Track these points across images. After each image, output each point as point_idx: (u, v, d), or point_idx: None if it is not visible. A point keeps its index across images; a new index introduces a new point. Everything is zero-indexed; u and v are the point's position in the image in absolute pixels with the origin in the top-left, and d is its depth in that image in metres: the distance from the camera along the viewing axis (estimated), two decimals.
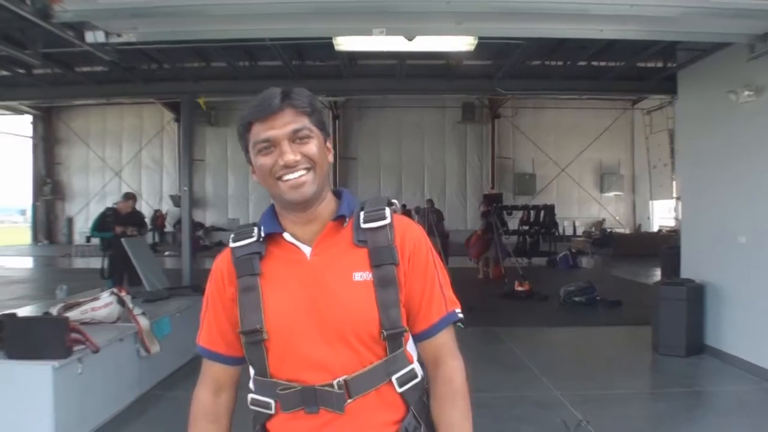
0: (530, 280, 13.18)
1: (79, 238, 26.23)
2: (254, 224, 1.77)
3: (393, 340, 1.65)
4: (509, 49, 9.36)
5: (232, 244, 1.74)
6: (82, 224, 26.25)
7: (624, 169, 27.48)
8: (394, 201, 1.78)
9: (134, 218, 10.63)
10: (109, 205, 12.30)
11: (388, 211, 1.72)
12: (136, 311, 6.01)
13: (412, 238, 1.72)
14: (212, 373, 1.82)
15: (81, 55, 8.41)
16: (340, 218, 1.70)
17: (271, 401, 1.66)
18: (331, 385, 1.60)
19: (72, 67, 10.27)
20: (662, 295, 8.00)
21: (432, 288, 1.72)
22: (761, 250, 6.92)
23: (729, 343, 7.52)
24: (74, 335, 4.88)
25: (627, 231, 26.77)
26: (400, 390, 1.66)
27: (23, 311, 6.53)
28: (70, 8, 5.45)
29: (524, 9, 5.60)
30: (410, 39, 7.05)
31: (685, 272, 8.55)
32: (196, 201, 24.71)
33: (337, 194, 1.80)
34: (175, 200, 24.82)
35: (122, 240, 8.87)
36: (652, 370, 7.79)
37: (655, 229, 25.73)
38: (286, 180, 1.62)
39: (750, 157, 7.11)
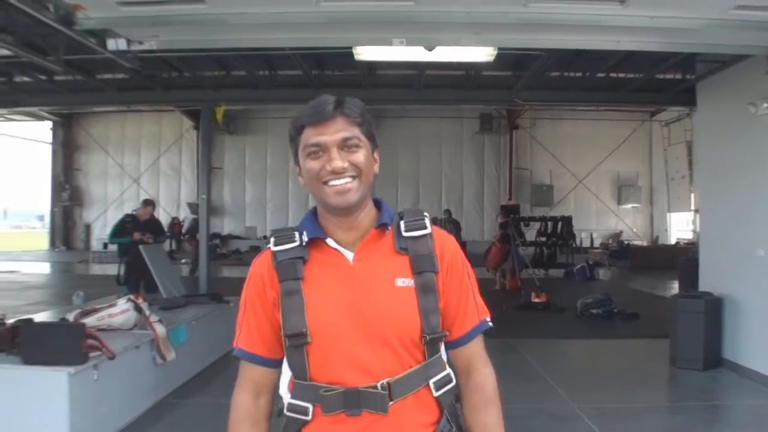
0: (547, 292, 13.12)
1: (96, 245, 26.37)
2: (293, 228, 1.79)
3: (432, 345, 1.71)
4: (528, 60, 9.36)
5: (273, 248, 1.76)
6: (100, 231, 26.42)
7: (642, 181, 27.33)
8: (426, 214, 1.83)
9: (152, 225, 10.67)
10: (127, 211, 12.37)
11: (428, 221, 1.79)
12: (153, 318, 6.02)
13: (450, 249, 1.79)
14: (252, 376, 1.81)
15: (102, 62, 8.49)
16: (382, 226, 1.76)
17: (309, 406, 1.68)
18: (375, 387, 1.63)
19: (93, 74, 10.36)
20: (680, 308, 7.93)
21: (467, 297, 1.80)
22: None
23: (747, 356, 7.44)
24: (90, 341, 4.90)
25: (644, 243, 26.58)
26: (436, 394, 1.72)
27: (40, 317, 6.58)
28: (92, 16, 5.53)
29: (543, 20, 5.60)
30: (430, 49, 7.07)
31: (703, 285, 8.47)
32: (214, 209, 24.85)
33: (376, 203, 1.84)
34: (193, 208, 24.89)
35: (140, 247, 8.91)
36: (669, 384, 7.72)
37: (673, 241, 25.56)
38: (332, 185, 1.66)
39: None
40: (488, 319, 1.85)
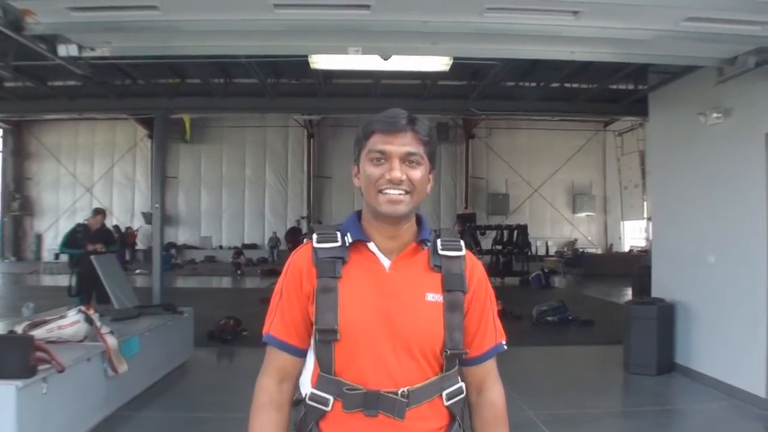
0: (503, 300, 13.17)
1: (47, 255, 25.90)
2: (336, 227, 1.88)
3: (451, 360, 1.81)
4: (484, 69, 9.45)
5: (316, 245, 1.82)
6: (51, 241, 25.91)
7: (596, 189, 27.79)
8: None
9: (104, 235, 10.49)
10: (79, 221, 12.14)
11: (462, 243, 1.89)
12: (104, 330, 5.89)
13: (478, 273, 1.90)
14: (279, 362, 1.87)
15: (53, 69, 8.31)
16: (422, 242, 1.85)
17: (331, 398, 1.76)
18: (396, 393, 1.72)
19: (44, 80, 10.17)
20: (633, 315, 8.04)
21: (487, 320, 1.91)
22: (730, 269, 7.00)
23: (699, 361, 7.57)
24: (39, 354, 4.77)
25: (599, 251, 27.02)
26: (447, 403, 1.81)
27: None
28: (42, 21, 5.39)
29: (498, 30, 5.64)
30: (386, 58, 7.07)
31: (656, 291, 8.62)
32: (169, 218, 24.57)
33: (417, 218, 1.92)
34: (147, 217, 24.60)
35: (91, 257, 8.74)
36: (623, 389, 7.82)
37: (627, 249, 26.00)
38: (386, 194, 1.74)
39: (719, 178, 7.21)
40: (504, 342, 1.96)
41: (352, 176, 1.89)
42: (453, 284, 1.81)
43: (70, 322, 5.69)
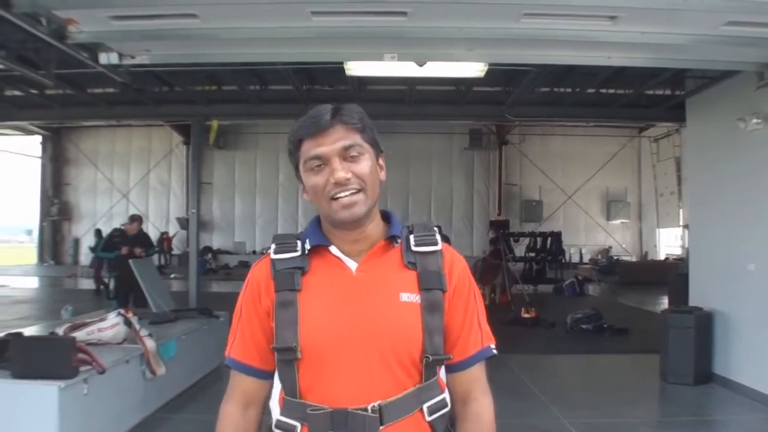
0: (537, 307, 13.13)
1: (85, 259, 26.15)
2: (296, 236, 1.74)
3: (431, 367, 1.63)
4: (519, 75, 9.44)
5: (273, 256, 1.70)
6: (90, 245, 26.28)
7: (630, 196, 27.44)
8: (436, 227, 1.78)
9: (141, 239, 10.64)
10: (116, 226, 12.33)
11: (439, 237, 1.73)
12: (143, 332, 5.97)
13: (459, 269, 1.72)
14: (243, 387, 1.74)
15: (92, 77, 8.46)
16: (391, 238, 1.70)
17: (298, 425, 1.59)
18: (365, 409, 1.55)
19: (84, 88, 10.35)
20: (670, 323, 7.94)
21: (471, 320, 1.71)
22: None
23: (737, 371, 7.45)
24: (81, 355, 4.87)
25: (633, 258, 26.65)
26: (429, 418, 1.62)
27: (29, 331, 6.53)
28: (85, 29, 5.51)
29: (535, 36, 5.64)
30: (421, 64, 7.10)
31: (693, 300, 8.50)
32: (203, 224, 24.76)
33: (385, 215, 1.78)
34: (182, 223, 24.82)
35: (129, 261, 8.87)
36: (660, 399, 7.73)
37: (662, 256, 25.64)
38: (338, 199, 1.60)
39: (758, 184, 7.09)
40: (493, 346, 1.75)
41: (300, 192, 1.75)
42: (430, 282, 1.64)
43: (110, 325, 5.79)
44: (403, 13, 5.25)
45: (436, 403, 1.64)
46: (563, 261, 21.95)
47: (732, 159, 7.68)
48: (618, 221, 27.35)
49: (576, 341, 11.17)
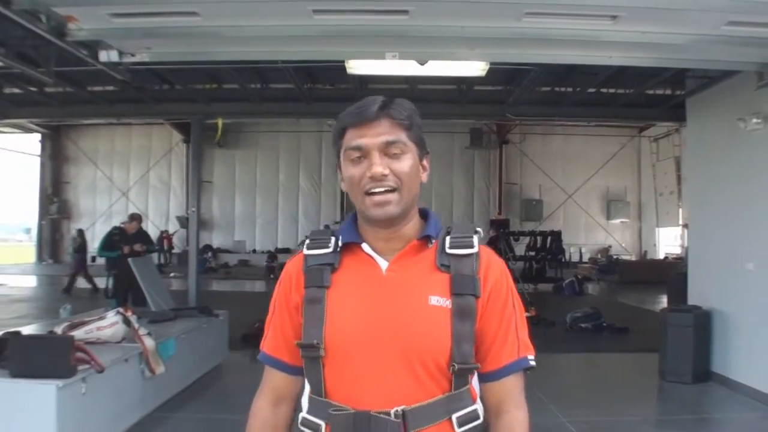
0: (536, 306, 13.11)
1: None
2: (331, 232, 1.71)
3: (461, 375, 1.55)
4: (520, 74, 9.45)
5: (306, 251, 1.68)
6: (88, 244, 26.22)
7: (630, 196, 27.48)
8: (478, 229, 1.69)
9: (141, 237, 10.63)
10: (116, 224, 12.31)
11: (476, 239, 1.63)
12: (142, 331, 5.95)
13: (496, 274, 1.63)
14: (273, 382, 1.72)
15: (92, 74, 8.45)
16: (425, 238, 1.63)
17: (322, 424, 1.56)
18: (388, 413, 1.49)
19: (84, 85, 10.32)
20: (669, 322, 7.94)
21: (507, 328, 1.62)
22: None
23: (736, 370, 7.45)
24: (79, 354, 4.84)
25: (633, 258, 26.68)
26: (458, 430, 1.55)
27: (27, 330, 6.51)
28: (85, 27, 5.50)
29: (536, 35, 5.64)
30: (423, 63, 7.09)
31: (692, 299, 8.49)
32: (203, 222, 24.74)
33: (423, 214, 1.72)
34: (182, 221, 24.81)
35: (129, 259, 8.86)
36: (659, 397, 7.74)
37: (662, 256, 25.67)
38: (372, 194, 1.55)
39: (758, 184, 7.09)
40: (531, 357, 1.64)
41: (339, 181, 1.68)
42: (463, 287, 1.56)
43: (109, 324, 5.78)
44: (405, 12, 5.25)
45: (466, 414, 1.56)
46: (563, 260, 21.98)
47: (732, 159, 7.68)
48: (618, 220, 27.40)
49: (575, 340, 11.17)
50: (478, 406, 1.60)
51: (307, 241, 1.70)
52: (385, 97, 1.61)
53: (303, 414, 1.63)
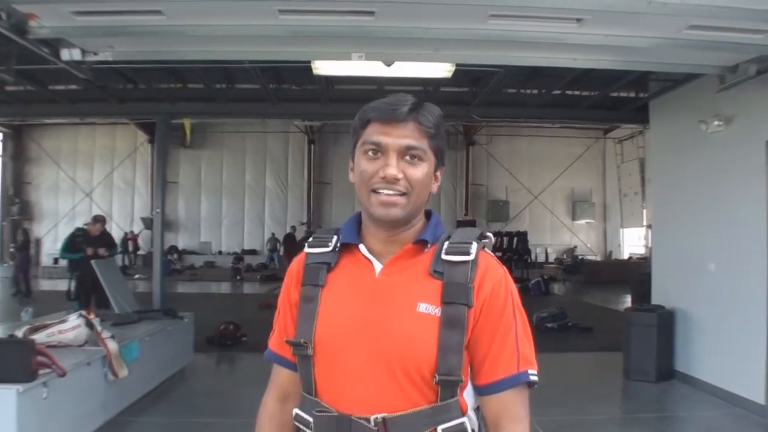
0: None
1: (46, 260, 25.79)
2: (335, 230, 1.68)
3: (447, 387, 1.48)
4: (486, 76, 9.48)
5: (307, 249, 1.66)
6: (50, 245, 25.82)
7: (595, 197, 27.79)
8: (488, 234, 1.64)
9: (105, 239, 10.50)
10: (79, 225, 12.16)
11: (474, 246, 1.55)
12: (105, 334, 5.87)
13: (493, 282, 1.54)
14: (279, 379, 1.72)
15: (54, 73, 8.32)
16: (420, 242, 1.57)
17: (311, 421, 1.54)
18: (368, 420, 1.45)
19: (45, 84, 10.16)
20: (633, 321, 8.05)
21: (505, 340, 1.53)
22: (730, 277, 7.01)
23: (699, 368, 7.57)
24: (40, 358, 4.76)
25: (598, 258, 27.00)
26: None
27: None
28: (46, 24, 5.40)
29: (501, 37, 5.66)
30: (389, 64, 7.09)
31: (656, 299, 8.62)
32: (168, 224, 24.52)
33: (428, 215, 1.68)
34: (147, 222, 24.58)
35: (92, 261, 8.73)
36: (623, 396, 7.84)
37: (626, 256, 25.99)
38: (379, 194, 1.51)
39: (719, 186, 7.22)
40: (532, 371, 1.55)
41: (348, 170, 1.65)
42: (454, 295, 1.48)
43: (71, 327, 5.68)
44: (371, 13, 5.24)
45: (453, 426, 1.49)
46: (529, 260, 22.19)
47: (694, 160, 7.81)
48: (583, 221, 27.69)
49: (541, 340, 10.94)
50: (467, 419, 1.52)
51: (310, 239, 1.69)
52: (416, 98, 1.57)
53: (296, 410, 1.62)
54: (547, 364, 9.48)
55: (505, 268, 1.62)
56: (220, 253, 27.07)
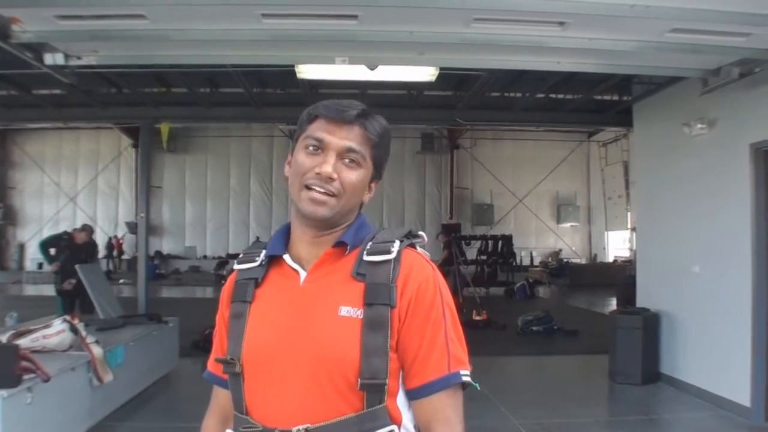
0: (488, 310, 13.23)
1: (30, 265, 25.61)
2: (264, 245, 1.66)
3: (372, 392, 1.42)
4: (470, 80, 9.52)
5: (236, 266, 1.64)
6: (35, 251, 25.62)
7: (580, 200, 27.89)
8: (420, 233, 1.63)
9: (88, 247, 10.46)
10: (66, 230, 12.11)
11: (396, 245, 1.51)
12: (89, 339, 5.84)
13: (418, 281, 1.49)
14: (218, 400, 1.70)
15: (38, 77, 8.27)
16: (340, 245, 1.54)
17: None
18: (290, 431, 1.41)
19: (29, 89, 10.10)
20: (618, 324, 8.08)
21: (433, 340, 1.47)
22: (714, 279, 7.06)
23: (684, 371, 7.62)
24: (24, 363, 4.73)
25: (583, 261, 27.09)
26: None
27: None
28: (29, 29, 5.36)
29: (485, 41, 5.67)
30: (372, 68, 7.09)
31: (641, 301, 8.67)
32: (153, 228, 24.38)
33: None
34: (131, 227, 24.43)
35: (76, 266, 8.68)
36: (609, 399, 7.88)
37: (611, 259, 26.08)
38: (310, 190, 1.49)
39: (703, 188, 7.28)
40: (464, 372, 1.50)
41: (285, 163, 1.62)
42: (376, 296, 1.44)
43: (56, 332, 5.64)
44: (354, 17, 5.25)
45: None
46: (514, 264, 22.24)
47: (677, 163, 7.87)
48: (568, 224, 27.77)
49: (527, 343, 11.28)
50: (396, 427, 1.45)
51: (240, 255, 1.67)
52: (367, 107, 1.56)
53: (228, 430, 1.58)
54: (533, 367, 9.60)
55: (433, 265, 1.58)
56: (204, 257, 26.94)
